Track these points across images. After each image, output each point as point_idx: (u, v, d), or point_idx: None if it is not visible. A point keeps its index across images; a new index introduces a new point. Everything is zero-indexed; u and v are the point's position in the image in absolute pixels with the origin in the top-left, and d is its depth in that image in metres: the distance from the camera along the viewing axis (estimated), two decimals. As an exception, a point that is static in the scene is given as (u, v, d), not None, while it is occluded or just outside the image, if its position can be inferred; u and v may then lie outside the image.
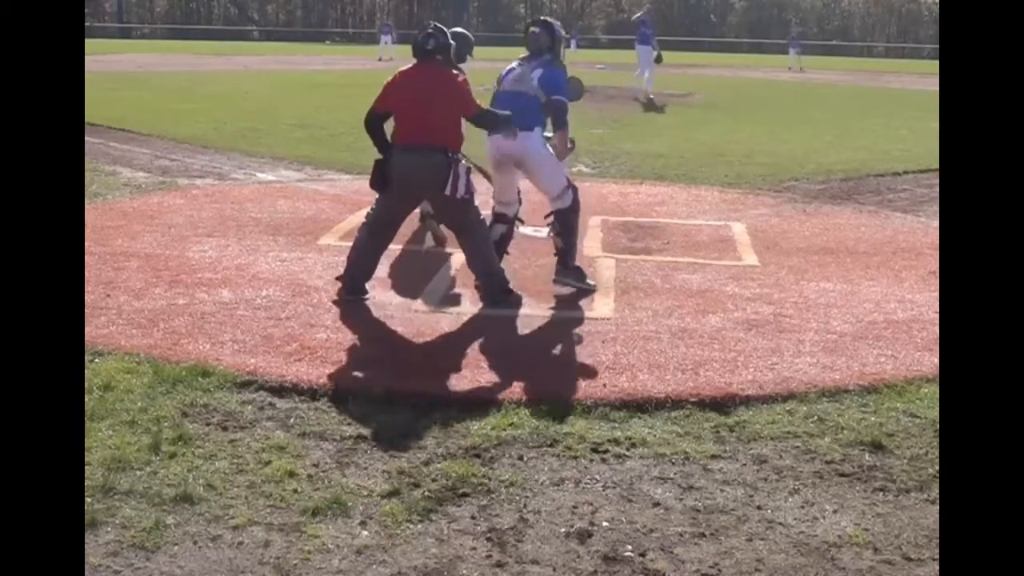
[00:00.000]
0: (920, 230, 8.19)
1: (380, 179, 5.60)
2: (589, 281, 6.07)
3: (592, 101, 21.46)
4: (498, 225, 6.16)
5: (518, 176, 6.19)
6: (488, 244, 5.76)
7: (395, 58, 38.70)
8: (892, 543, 3.19)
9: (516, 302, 5.71)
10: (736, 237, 7.71)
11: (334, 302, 5.64)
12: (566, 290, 6.05)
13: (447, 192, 5.45)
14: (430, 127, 5.49)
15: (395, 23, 48.98)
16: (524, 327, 5.30)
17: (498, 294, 5.69)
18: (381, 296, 5.80)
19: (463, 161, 5.58)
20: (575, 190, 6.10)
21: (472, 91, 5.68)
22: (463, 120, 5.69)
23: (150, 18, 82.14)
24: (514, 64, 6.15)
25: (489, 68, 9.78)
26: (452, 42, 5.79)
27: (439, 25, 5.86)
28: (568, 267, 6.08)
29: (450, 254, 6.83)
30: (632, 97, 20.84)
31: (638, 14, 27.18)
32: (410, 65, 5.75)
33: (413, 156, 5.50)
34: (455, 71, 5.71)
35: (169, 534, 3.11)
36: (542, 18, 6.51)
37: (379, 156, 5.65)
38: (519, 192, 6.30)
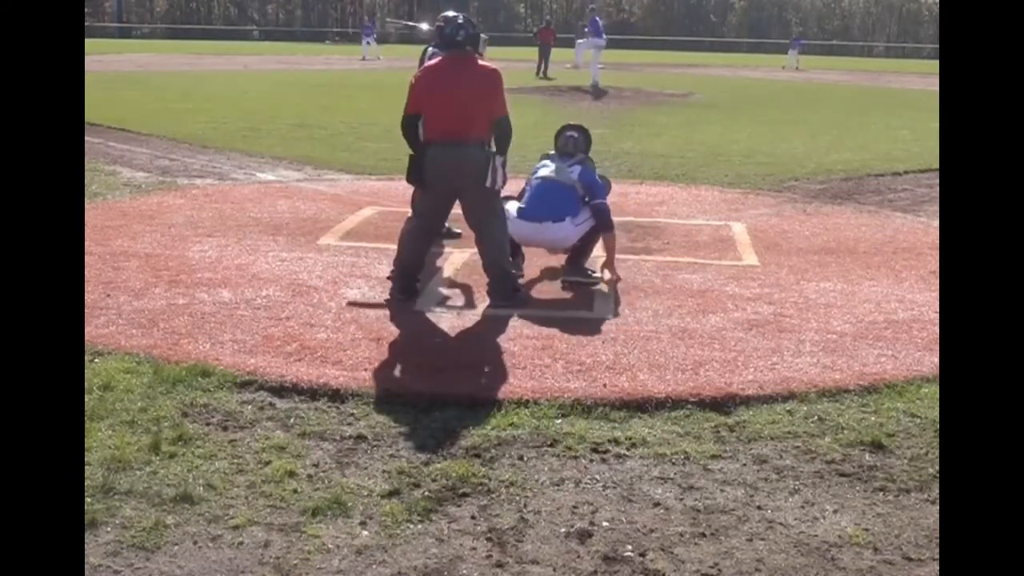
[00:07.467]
0: (920, 230, 8.19)
1: (417, 174, 5.61)
2: (595, 275, 6.29)
3: (592, 101, 21.57)
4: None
5: None
6: (506, 242, 5.78)
7: (381, 58, 38.74)
8: (892, 543, 3.19)
9: (522, 301, 5.73)
10: (736, 237, 7.71)
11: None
12: (567, 290, 6.08)
13: (487, 184, 5.46)
14: (463, 121, 5.47)
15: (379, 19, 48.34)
16: (524, 327, 5.29)
17: (508, 292, 5.69)
18: (381, 296, 5.80)
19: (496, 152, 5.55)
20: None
21: (504, 90, 5.70)
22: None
23: (150, 18, 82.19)
24: (546, 161, 6.41)
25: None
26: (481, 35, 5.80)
27: (468, 16, 5.81)
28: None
29: (449, 253, 6.84)
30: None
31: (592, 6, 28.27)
32: (436, 60, 5.75)
33: (451, 152, 5.48)
34: (489, 64, 5.73)
35: (169, 534, 3.11)
36: (577, 124, 6.80)
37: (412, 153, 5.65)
38: None
